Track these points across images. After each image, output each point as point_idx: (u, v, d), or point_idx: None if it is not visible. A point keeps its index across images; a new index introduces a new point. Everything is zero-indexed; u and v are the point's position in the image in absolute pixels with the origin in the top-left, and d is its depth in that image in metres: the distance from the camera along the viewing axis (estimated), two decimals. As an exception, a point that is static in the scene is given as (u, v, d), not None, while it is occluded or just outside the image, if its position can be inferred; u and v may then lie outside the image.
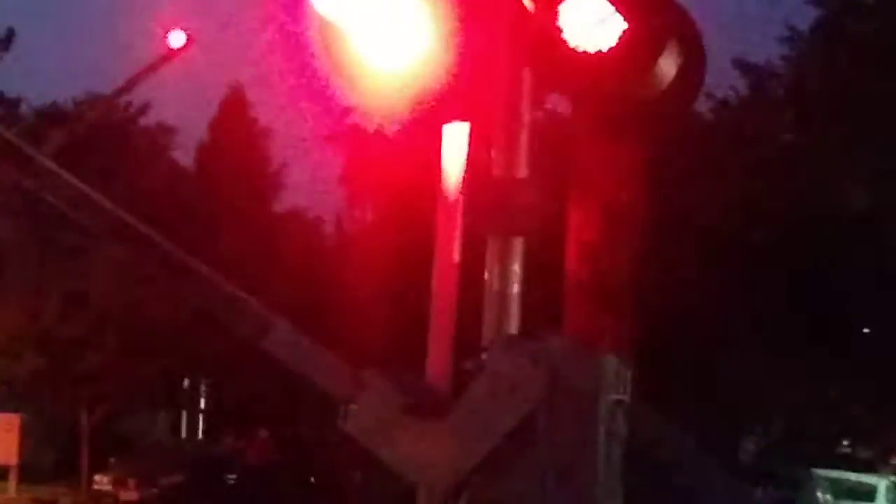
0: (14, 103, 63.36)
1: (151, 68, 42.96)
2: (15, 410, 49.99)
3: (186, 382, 55.94)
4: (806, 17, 40.59)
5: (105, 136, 58.54)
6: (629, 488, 7.70)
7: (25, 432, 49.75)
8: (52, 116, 63.01)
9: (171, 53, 42.90)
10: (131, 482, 42.18)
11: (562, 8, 7.36)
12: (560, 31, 7.45)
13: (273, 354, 8.18)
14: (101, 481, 42.92)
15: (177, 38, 43.48)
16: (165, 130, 65.06)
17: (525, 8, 7.63)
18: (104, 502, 41.41)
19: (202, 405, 58.37)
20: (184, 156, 64.78)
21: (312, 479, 40.37)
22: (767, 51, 41.61)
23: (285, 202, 64.08)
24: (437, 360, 8.24)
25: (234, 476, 41.29)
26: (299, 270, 50.32)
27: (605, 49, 7.46)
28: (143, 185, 54.25)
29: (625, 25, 7.29)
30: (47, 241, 47.18)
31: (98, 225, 7.91)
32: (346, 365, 7.70)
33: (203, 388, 57.73)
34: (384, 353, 48.30)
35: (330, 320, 51.26)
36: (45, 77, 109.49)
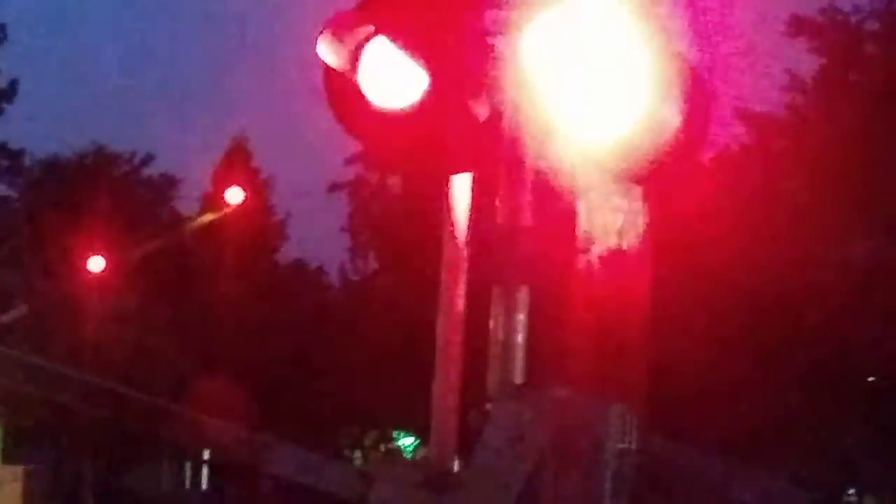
0: (17, 154, 63.55)
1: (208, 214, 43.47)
2: (21, 462, 50.08)
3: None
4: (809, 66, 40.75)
5: (108, 187, 58.87)
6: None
7: (30, 484, 49.74)
8: (52, 168, 63.36)
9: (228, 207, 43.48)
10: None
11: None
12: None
13: (282, 474, 8.27)
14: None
15: (235, 195, 44.01)
16: (168, 181, 65.32)
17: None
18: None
19: (205, 456, 58.21)
20: (186, 206, 65.08)
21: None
22: (770, 98, 41.69)
23: (289, 253, 64.24)
24: (444, 410, 8.25)
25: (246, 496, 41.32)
26: (303, 320, 50.27)
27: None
28: (144, 233, 54.45)
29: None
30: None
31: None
32: (350, 467, 7.79)
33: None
34: (390, 403, 48.44)
35: (334, 370, 51.48)
36: (47, 127, 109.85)
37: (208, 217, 45.22)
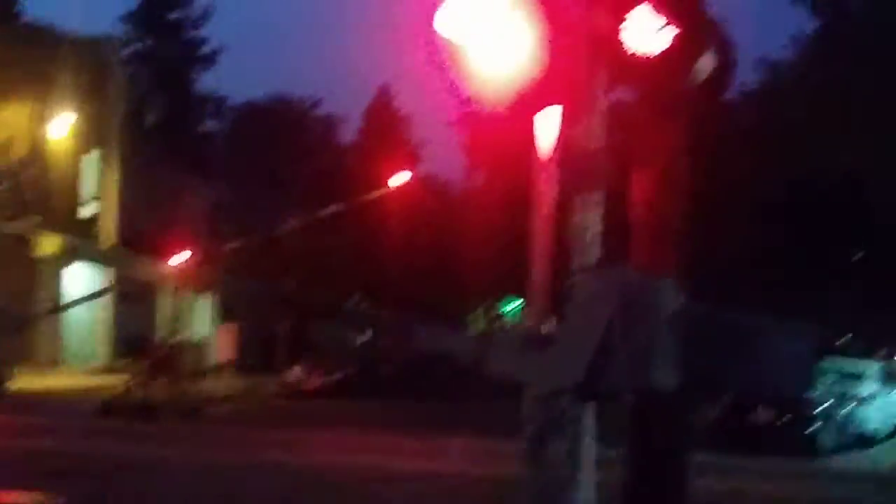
0: (220, 100, 63.96)
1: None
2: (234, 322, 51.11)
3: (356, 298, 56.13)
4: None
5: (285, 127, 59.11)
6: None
7: (240, 337, 50.60)
8: (247, 111, 63.71)
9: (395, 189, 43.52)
10: (313, 375, 42.58)
11: (624, 24, 7.39)
12: (622, 40, 7.48)
13: (422, 348, 8.38)
14: (291, 374, 43.35)
15: (401, 177, 44.03)
16: (333, 120, 65.56)
17: (599, 22, 7.63)
18: (295, 388, 41.78)
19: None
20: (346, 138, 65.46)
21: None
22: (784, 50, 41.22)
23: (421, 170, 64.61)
24: (539, 285, 8.28)
25: (388, 370, 41.45)
26: (434, 222, 50.28)
27: (657, 52, 7.45)
28: (316, 164, 54.75)
29: (673, 34, 7.28)
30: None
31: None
32: (470, 336, 7.82)
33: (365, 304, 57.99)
34: (499, 281, 48.71)
35: (456, 260, 51.80)
36: (244, 79, 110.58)
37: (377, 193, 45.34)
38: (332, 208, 44.28)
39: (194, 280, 40.26)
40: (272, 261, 47.44)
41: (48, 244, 38.91)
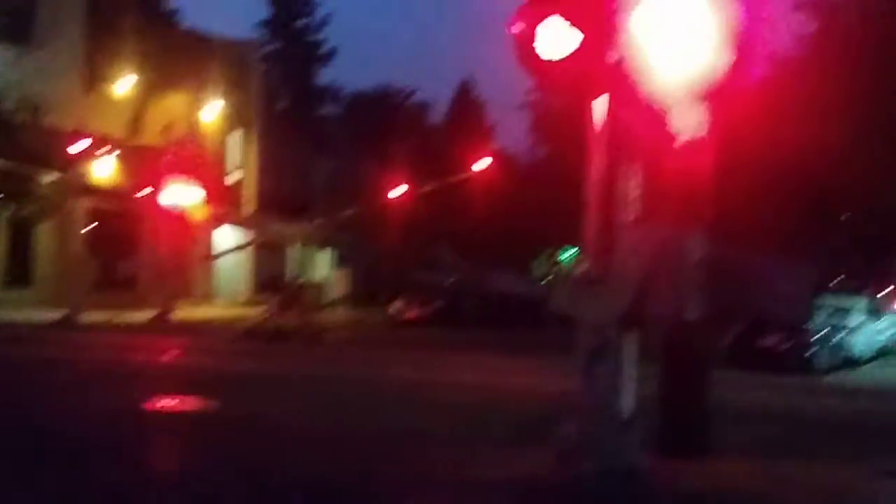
0: (336, 90, 64.02)
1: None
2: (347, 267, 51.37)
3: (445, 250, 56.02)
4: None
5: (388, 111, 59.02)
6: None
7: (353, 278, 50.79)
8: (358, 100, 63.74)
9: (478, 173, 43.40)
10: (411, 307, 42.48)
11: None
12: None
13: (496, 289, 8.30)
14: (395, 306, 43.30)
15: (483, 162, 43.78)
16: (422, 106, 65.37)
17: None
18: (396, 319, 41.78)
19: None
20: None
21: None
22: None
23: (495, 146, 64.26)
24: (591, 236, 8.24)
25: (471, 304, 41.25)
26: (505, 190, 49.69)
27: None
28: (411, 142, 54.60)
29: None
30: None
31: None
32: (534, 280, 7.65)
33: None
34: (558, 232, 48.56)
35: (523, 219, 51.64)
36: (356, 73, 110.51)
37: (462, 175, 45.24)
38: (427, 186, 44.38)
39: (316, 237, 40.53)
40: (379, 223, 47.59)
41: (203, 213, 39.37)
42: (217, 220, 44.57)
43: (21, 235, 38.28)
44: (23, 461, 8.99)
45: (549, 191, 45.80)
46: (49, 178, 35.85)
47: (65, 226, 37.46)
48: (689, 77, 7.53)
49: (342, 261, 52.89)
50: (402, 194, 44.76)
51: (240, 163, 50.52)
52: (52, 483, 8.28)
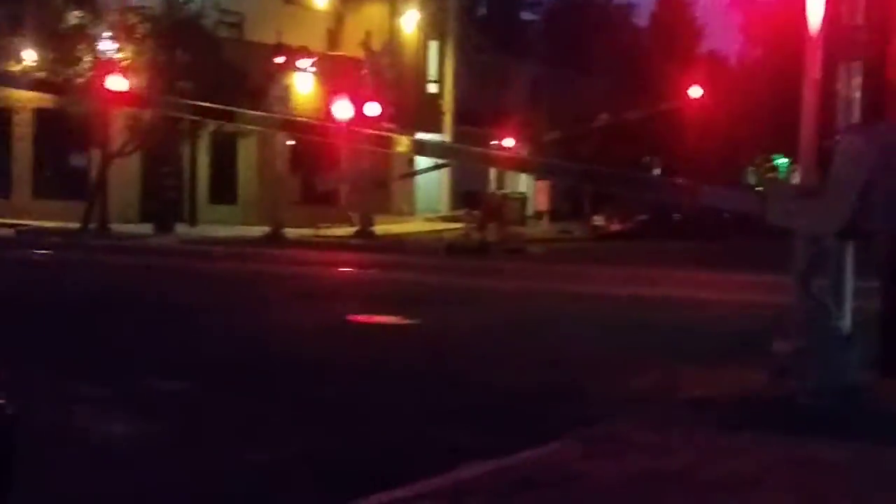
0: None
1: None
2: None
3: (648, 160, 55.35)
4: None
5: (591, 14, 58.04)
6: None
7: (553, 192, 50.75)
8: (560, 4, 62.99)
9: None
10: (614, 220, 42.38)
11: None
12: None
13: (708, 204, 8.23)
14: (598, 220, 43.24)
15: (696, 91, 43.07)
16: (626, 7, 64.12)
17: None
18: (599, 232, 41.73)
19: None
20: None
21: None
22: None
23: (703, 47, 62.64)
24: (807, 143, 8.03)
25: (678, 216, 40.83)
26: (715, 97, 48.53)
27: None
28: (614, 44, 53.76)
29: None
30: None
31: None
32: (747, 192, 7.56)
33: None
34: (773, 140, 47.36)
35: (735, 123, 50.50)
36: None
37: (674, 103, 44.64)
38: (635, 113, 43.83)
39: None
40: (583, 141, 47.15)
41: (404, 143, 39.93)
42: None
43: (225, 153, 39.72)
44: (256, 376, 9.82)
45: (762, 95, 44.58)
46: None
47: (267, 142, 38.63)
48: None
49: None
50: (613, 118, 44.56)
51: (437, 74, 50.93)
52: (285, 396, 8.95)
